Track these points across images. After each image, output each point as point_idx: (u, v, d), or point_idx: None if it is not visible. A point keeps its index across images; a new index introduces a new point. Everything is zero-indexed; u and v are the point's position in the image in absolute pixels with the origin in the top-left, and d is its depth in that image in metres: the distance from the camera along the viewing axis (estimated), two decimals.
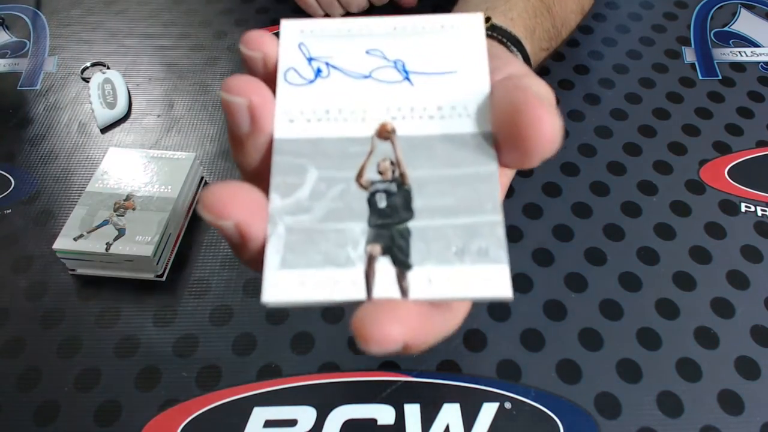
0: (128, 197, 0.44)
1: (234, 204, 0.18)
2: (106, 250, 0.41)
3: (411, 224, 0.19)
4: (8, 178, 0.50)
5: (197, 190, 0.48)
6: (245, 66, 0.22)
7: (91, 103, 0.55)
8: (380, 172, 0.20)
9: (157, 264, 0.42)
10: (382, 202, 0.20)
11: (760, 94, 0.56)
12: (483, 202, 0.19)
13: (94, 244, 0.41)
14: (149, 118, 0.55)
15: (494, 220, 0.19)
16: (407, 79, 0.22)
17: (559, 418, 0.37)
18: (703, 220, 0.46)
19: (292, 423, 0.37)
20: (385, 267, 0.19)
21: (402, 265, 0.19)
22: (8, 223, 0.47)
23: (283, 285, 0.18)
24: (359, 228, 0.19)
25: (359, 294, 0.18)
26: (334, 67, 0.22)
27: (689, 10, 0.65)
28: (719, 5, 0.65)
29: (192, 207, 0.47)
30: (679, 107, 0.55)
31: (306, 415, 0.37)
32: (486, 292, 0.18)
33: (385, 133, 0.21)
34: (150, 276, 0.43)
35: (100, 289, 0.43)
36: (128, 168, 0.46)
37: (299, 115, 0.21)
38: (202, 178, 0.49)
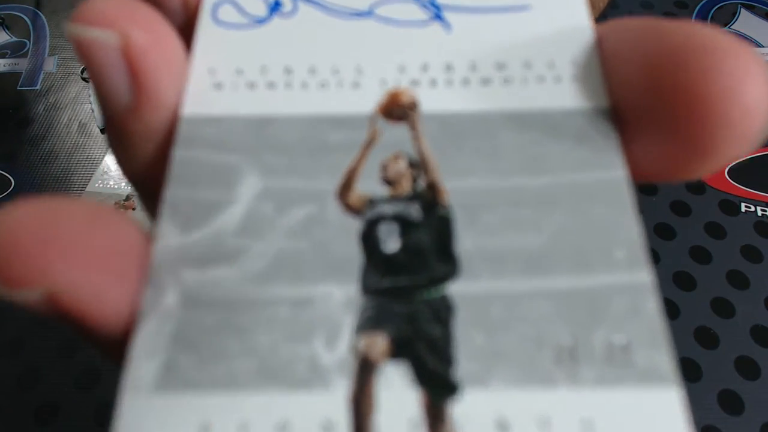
0: (128, 197, 0.44)
1: (46, 249, 0.09)
2: None
3: (455, 289, 0.10)
4: (8, 178, 0.50)
5: None
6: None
7: (91, 103, 0.55)
8: (388, 181, 0.11)
9: None
10: (391, 242, 0.10)
11: None
12: (607, 244, 0.10)
13: None
14: None
15: (635, 282, 0.10)
16: (438, 17, 0.12)
17: None
18: (703, 220, 0.46)
19: None
20: (397, 388, 0.09)
21: (438, 384, 0.09)
22: None
23: (160, 427, 0.09)
24: (341, 295, 0.10)
25: None
26: None
27: (689, 10, 0.65)
28: (719, 5, 0.65)
29: None
30: None
31: None
32: None
33: (397, 109, 0.11)
34: None
35: None
36: None
37: (235, 77, 0.12)
38: None
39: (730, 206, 0.47)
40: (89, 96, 0.55)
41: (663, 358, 0.09)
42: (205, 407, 0.09)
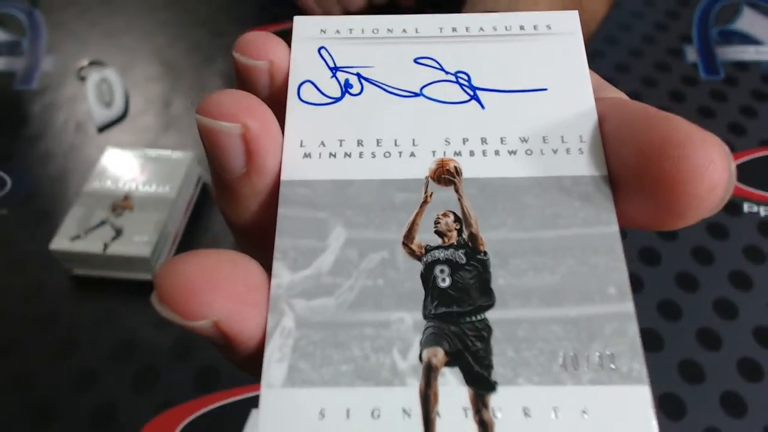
0: (126, 197, 0.44)
1: (211, 292, 0.12)
2: (104, 250, 0.41)
3: (491, 315, 0.13)
4: (5, 178, 0.50)
5: (195, 189, 0.48)
6: (241, 81, 0.16)
7: (88, 102, 0.55)
8: (440, 233, 0.14)
9: (155, 264, 0.42)
10: (444, 280, 0.14)
11: (764, 93, 0.55)
12: (603, 283, 0.14)
13: (91, 245, 0.41)
14: (147, 118, 0.55)
15: (622, 312, 0.13)
16: (475, 98, 0.16)
17: None
18: (706, 221, 0.46)
19: None
20: (452, 385, 0.13)
21: (480, 382, 0.13)
22: (4, 223, 0.47)
23: (290, 412, 0.12)
24: (410, 320, 0.13)
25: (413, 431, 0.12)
26: (370, 81, 0.17)
27: (691, 8, 0.65)
28: (722, 3, 0.65)
29: (190, 207, 0.47)
30: (681, 106, 0.54)
31: None
32: (616, 429, 0.12)
33: (445, 175, 0.15)
34: (148, 277, 0.43)
35: (97, 290, 0.43)
36: (126, 168, 0.46)
37: (319, 148, 0.16)
38: (199, 177, 0.49)
39: (733, 206, 0.47)
40: (86, 95, 0.55)
41: (639, 366, 0.13)
42: (320, 399, 0.13)
